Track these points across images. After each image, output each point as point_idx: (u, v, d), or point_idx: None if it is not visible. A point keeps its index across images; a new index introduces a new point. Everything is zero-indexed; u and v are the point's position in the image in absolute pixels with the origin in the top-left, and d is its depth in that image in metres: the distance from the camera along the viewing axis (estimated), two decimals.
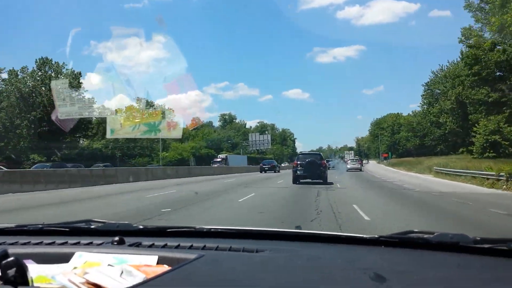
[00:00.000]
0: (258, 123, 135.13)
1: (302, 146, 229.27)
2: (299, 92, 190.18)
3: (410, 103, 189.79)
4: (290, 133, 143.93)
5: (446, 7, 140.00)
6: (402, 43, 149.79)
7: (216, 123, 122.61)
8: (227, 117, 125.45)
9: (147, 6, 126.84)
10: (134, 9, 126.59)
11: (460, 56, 55.69)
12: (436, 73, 59.02)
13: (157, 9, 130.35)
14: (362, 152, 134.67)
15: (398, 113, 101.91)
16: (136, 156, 75.26)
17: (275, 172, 40.39)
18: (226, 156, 61.57)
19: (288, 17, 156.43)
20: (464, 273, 1.16)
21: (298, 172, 18.91)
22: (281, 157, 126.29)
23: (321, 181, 18.70)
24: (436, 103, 56.54)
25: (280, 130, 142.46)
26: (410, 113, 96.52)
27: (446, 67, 57.30)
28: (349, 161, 47.60)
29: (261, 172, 40.61)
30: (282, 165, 72.39)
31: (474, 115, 51.79)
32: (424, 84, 60.07)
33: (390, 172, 36.48)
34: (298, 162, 19.28)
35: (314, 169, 18.74)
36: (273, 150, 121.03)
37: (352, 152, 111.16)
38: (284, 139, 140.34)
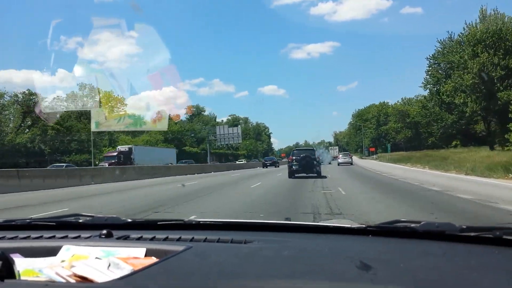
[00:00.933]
0: (230, 116, 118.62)
1: (278, 142, 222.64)
2: (275, 89, 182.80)
3: (384, 99, 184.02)
4: (265, 127, 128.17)
5: (418, 4, 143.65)
6: (375, 40, 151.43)
7: (183, 116, 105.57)
8: (194, 109, 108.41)
9: (118, 0, 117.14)
10: (104, 3, 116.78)
11: (480, 16, 41.26)
12: (443, 42, 43.92)
13: (128, 3, 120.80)
14: (341, 147, 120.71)
15: (384, 102, 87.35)
16: (72, 153, 58.03)
17: (275, 167, 42.86)
18: (130, 148, 39.35)
19: (263, 12, 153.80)
20: (450, 261, 1.13)
21: (293, 167, 19.15)
22: (255, 153, 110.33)
23: (315, 175, 18.93)
24: (447, 80, 41.50)
25: (254, 123, 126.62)
26: (399, 100, 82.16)
27: (457, 34, 42.42)
28: (341, 155, 46.00)
29: (263, 167, 44.15)
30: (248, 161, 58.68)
31: (504, 92, 37.17)
32: (429, 56, 44.83)
33: (419, 174, 20.81)
34: (293, 158, 19.38)
35: (308, 164, 18.92)
36: (246, 146, 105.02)
37: (337, 147, 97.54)
38: (258, 134, 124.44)
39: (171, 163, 37.57)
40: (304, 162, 18.84)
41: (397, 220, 1.40)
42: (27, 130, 59.73)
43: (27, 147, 56.72)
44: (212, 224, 1.55)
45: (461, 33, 41.83)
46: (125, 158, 35.78)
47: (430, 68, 44.98)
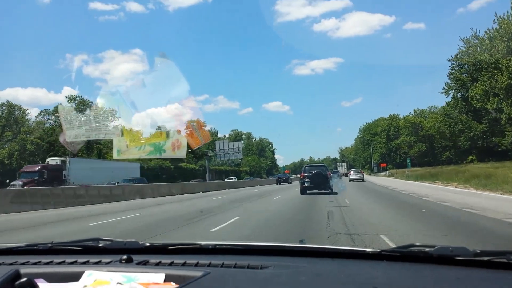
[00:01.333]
0: (232, 131, 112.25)
1: (283, 159, 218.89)
2: (279, 105, 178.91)
3: (390, 113, 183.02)
4: (268, 142, 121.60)
5: (421, 20, 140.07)
6: (378, 55, 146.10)
7: (183, 131, 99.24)
8: (194, 124, 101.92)
9: (123, 19, 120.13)
10: (110, 21, 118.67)
11: None
12: (468, 40, 37.48)
13: (132, 21, 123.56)
14: (348, 163, 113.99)
15: (394, 114, 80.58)
16: None
17: (288, 183, 43.78)
18: (62, 161, 30.20)
19: (266, 29, 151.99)
20: (463, 286, 1.11)
21: (305, 183, 18.55)
22: (258, 169, 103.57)
23: (328, 191, 18.07)
24: (475, 83, 34.89)
25: (258, 139, 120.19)
26: (412, 112, 75.34)
27: (484, 31, 35.94)
28: (352, 171, 45.13)
29: (277, 183, 44.74)
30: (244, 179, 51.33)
31: None
32: (451, 58, 38.33)
33: (480, 199, 13.90)
34: (305, 174, 18.70)
35: (320, 180, 18.24)
36: (248, 162, 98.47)
37: (345, 164, 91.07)
38: (262, 150, 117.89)
39: (117, 182, 28.86)
40: (316, 179, 18.17)
41: (411, 244, 1.36)
42: (5, 145, 53.79)
43: (4, 163, 50.73)
44: (229, 249, 1.53)
45: (488, 29, 35.45)
46: (53, 175, 27.62)
47: (453, 71, 38.38)
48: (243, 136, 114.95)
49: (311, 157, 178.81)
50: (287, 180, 47.23)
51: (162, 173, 60.38)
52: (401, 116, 78.71)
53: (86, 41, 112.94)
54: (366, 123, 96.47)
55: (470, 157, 70.20)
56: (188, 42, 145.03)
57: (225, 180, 50.88)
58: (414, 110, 70.99)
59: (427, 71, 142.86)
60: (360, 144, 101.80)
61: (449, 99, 41.07)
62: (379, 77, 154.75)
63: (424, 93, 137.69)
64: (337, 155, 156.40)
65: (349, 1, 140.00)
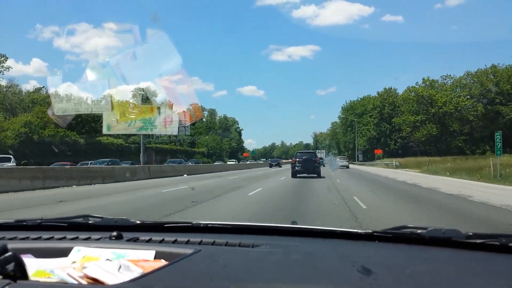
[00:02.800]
0: (190, 105, 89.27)
1: (255, 143, 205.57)
2: (254, 89, 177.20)
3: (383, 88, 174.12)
4: (234, 121, 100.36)
5: (399, 13, 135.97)
6: (355, 45, 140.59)
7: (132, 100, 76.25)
8: (143, 93, 79.03)
9: None
10: None
11: None
12: None
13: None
14: (326, 150, 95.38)
15: (390, 88, 60.54)
16: None
17: (279, 167, 46.43)
18: None
19: (245, 12, 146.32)
20: (454, 267, 1.09)
21: (296, 168, 19.55)
22: (218, 151, 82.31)
23: (315, 175, 19.13)
24: None
25: (222, 116, 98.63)
26: (414, 85, 55.29)
27: None
28: (338, 158, 44.91)
29: (270, 167, 46.97)
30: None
31: None
32: None
33: None
34: (297, 159, 19.86)
35: (309, 165, 19.37)
36: (206, 142, 76.90)
37: (324, 151, 73.62)
38: (226, 129, 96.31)
39: None
40: (306, 164, 19.29)
41: (404, 226, 1.33)
42: None
43: None
44: (220, 227, 1.49)
45: None
46: None
47: None
48: (205, 113, 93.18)
49: (282, 142, 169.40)
50: (279, 164, 50.37)
51: (67, 149, 38.56)
52: (399, 93, 58.83)
53: (58, 12, 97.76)
54: (350, 101, 76.57)
55: (482, 146, 52.04)
56: (163, 21, 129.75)
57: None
58: (423, 79, 50.92)
59: (404, 65, 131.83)
60: (341, 127, 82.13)
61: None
62: (355, 68, 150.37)
63: (400, 87, 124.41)
64: (310, 141, 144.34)
65: None
